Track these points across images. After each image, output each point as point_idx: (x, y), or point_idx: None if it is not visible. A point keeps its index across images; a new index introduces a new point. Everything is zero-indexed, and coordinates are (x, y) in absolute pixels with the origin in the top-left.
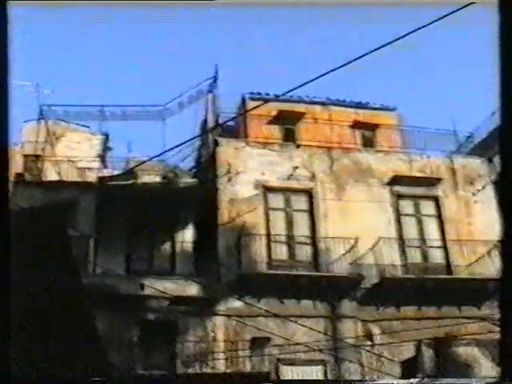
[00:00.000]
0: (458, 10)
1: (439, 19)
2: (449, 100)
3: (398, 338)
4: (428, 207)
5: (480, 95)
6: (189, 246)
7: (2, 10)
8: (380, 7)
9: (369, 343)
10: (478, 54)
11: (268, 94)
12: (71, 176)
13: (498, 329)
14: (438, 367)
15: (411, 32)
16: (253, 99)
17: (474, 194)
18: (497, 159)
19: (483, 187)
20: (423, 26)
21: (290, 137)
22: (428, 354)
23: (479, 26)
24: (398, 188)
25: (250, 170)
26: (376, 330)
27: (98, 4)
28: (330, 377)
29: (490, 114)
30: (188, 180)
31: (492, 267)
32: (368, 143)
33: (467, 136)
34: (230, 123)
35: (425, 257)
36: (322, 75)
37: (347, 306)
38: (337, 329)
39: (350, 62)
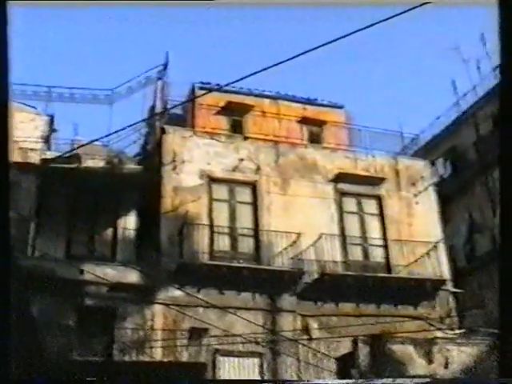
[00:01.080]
0: (410, 9)
1: (385, 20)
2: (397, 101)
3: (335, 334)
4: (371, 206)
5: (428, 99)
6: (131, 233)
7: (2, 10)
8: (337, 6)
9: (306, 338)
10: (430, 59)
11: (218, 85)
12: (13, 156)
13: (432, 328)
14: (373, 364)
15: (359, 30)
16: (202, 89)
17: (415, 196)
18: (440, 162)
19: (425, 189)
20: (371, 25)
21: (237, 128)
22: (364, 350)
23: (433, 29)
24: (342, 185)
25: (195, 159)
26: (314, 325)
27: (99, 4)
28: (266, 369)
29: (435, 118)
30: (132, 166)
31: (430, 268)
32: (315, 139)
33: (412, 138)
34: (179, 112)
35: (365, 255)
36: (265, 68)
37: (287, 300)
38: (276, 322)
39: (294, 57)
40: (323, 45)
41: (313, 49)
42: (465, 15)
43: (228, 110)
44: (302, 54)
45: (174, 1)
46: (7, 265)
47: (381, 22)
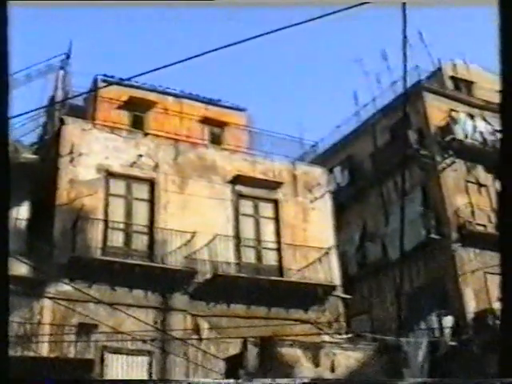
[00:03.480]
0: (319, 17)
1: (294, 25)
2: (300, 108)
3: (225, 335)
4: (267, 209)
5: (330, 108)
6: (23, 224)
7: (2, 10)
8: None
9: (196, 337)
10: (336, 69)
11: (122, 79)
12: None
13: (321, 332)
14: (261, 365)
15: (266, 33)
16: (105, 81)
17: (311, 202)
18: (337, 170)
19: (321, 196)
20: (278, 29)
21: (138, 124)
22: (253, 352)
23: (341, 40)
24: (239, 187)
25: (94, 152)
26: (205, 325)
27: (98, 4)
28: (155, 368)
29: (335, 127)
30: (28, 156)
31: (322, 273)
32: (216, 140)
33: (312, 145)
34: (80, 104)
35: (259, 257)
36: (165, 66)
37: (179, 299)
38: (166, 321)
39: (197, 56)
40: (228, 45)
41: (216, 49)
42: (370, 29)
43: (130, 104)
44: (205, 53)
45: (174, 1)
46: (5, 264)
47: (289, 27)
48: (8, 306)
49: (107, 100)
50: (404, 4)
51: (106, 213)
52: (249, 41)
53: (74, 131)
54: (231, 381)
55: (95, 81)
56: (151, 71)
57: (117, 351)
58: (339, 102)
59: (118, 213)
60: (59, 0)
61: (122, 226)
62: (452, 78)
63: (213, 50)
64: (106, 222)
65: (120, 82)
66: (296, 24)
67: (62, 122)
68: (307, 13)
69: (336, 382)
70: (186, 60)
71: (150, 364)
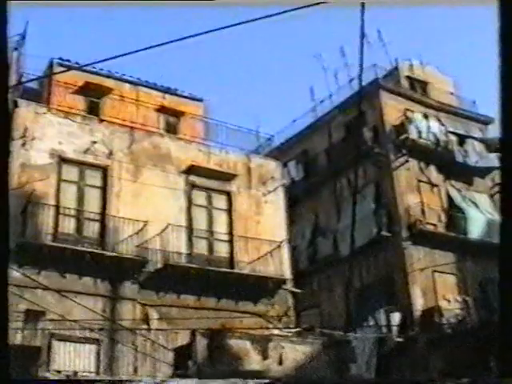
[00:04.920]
0: (281, 13)
1: (254, 20)
2: (258, 101)
3: (174, 325)
4: (220, 201)
5: (287, 102)
6: None
7: (2, 9)
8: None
9: (145, 327)
10: (295, 64)
11: (78, 63)
12: None
13: (270, 325)
14: (210, 357)
15: (227, 27)
16: (61, 65)
17: (264, 195)
18: (292, 164)
19: (275, 189)
20: (240, 23)
21: (93, 110)
22: (202, 343)
23: (301, 35)
24: (193, 178)
25: (47, 137)
26: (154, 315)
27: (98, 4)
28: (102, 357)
29: (291, 121)
30: None
31: (272, 266)
32: (171, 129)
33: (267, 138)
34: (35, 87)
35: (210, 249)
36: (124, 54)
37: (128, 288)
38: (115, 309)
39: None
40: (186, 37)
41: (172, 41)
42: (330, 25)
43: (86, 90)
44: (164, 44)
45: (175, 1)
46: (4, 264)
47: (250, 21)
48: (7, 306)
49: (62, 84)
50: (363, 3)
51: (57, 199)
52: (210, 33)
53: (27, 114)
54: (196, 380)
55: (51, 64)
56: (109, 59)
57: (64, 339)
58: (297, 96)
59: (69, 199)
60: (59, 0)
61: (73, 212)
62: (408, 77)
63: (169, 42)
64: (57, 207)
65: (78, 67)
66: (254, 20)
67: (15, 104)
68: (269, 8)
69: (297, 382)
70: (144, 50)
71: (98, 353)
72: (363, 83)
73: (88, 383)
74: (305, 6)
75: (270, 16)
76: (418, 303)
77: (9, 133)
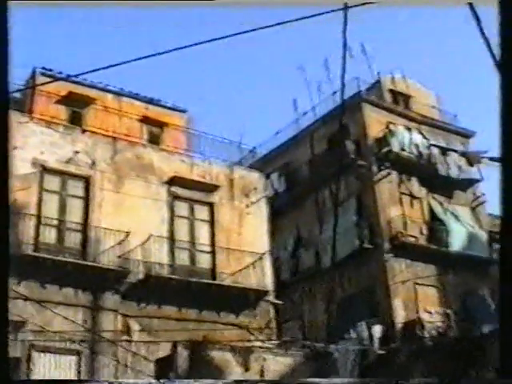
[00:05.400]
0: (269, 26)
1: (240, 33)
2: (241, 112)
3: (156, 336)
4: (202, 212)
5: (270, 114)
6: None
7: (2, 9)
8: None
9: (127, 338)
10: (279, 76)
11: (61, 73)
12: None
13: (251, 337)
14: (191, 368)
15: (214, 39)
16: (44, 74)
17: (247, 206)
18: (274, 175)
19: (257, 200)
20: (226, 36)
21: (76, 120)
22: (183, 354)
23: (285, 47)
24: (175, 189)
25: (29, 146)
26: (135, 326)
27: (98, 4)
28: (83, 368)
29: (274, 133)
30: None
31: (254, 278)
32: (154, 140)
33: (250, 149)
34: (17, 95)
35: (192, 260)
36: (112, 65)
37: (110, 299)
38: (97, 320)
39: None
40: (171, 50)
41: (164, 52)
42: (315, 38)
43: (69, 100)
44: (148, 56)
45: (175, 1)
46: (5, 264)
47: (236, 34)
48: (7, 306)
49: (45, 94)
50: (345, 14)
51: (39, 208)
52: (195, 46)
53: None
54: (153, 381)
55: (33, 73)
56: (93, 71)
57: (44, 350)
58: (280, 108)
59: (51, 209)
60: (59, 0)
61: (55, 222)
62: (391, 91)
63: (152, 55)
64: (38, 217)
65: (62, 78)
66: (236, 34)
67: None
68: (257, 19)
69: (252, 382)
70: (128, 62)
71: (79, 364)
72: (346, 96)
73: None
74: (290, 21)
75: (255, 30)
76: (400, 315)
77: (8, 142)
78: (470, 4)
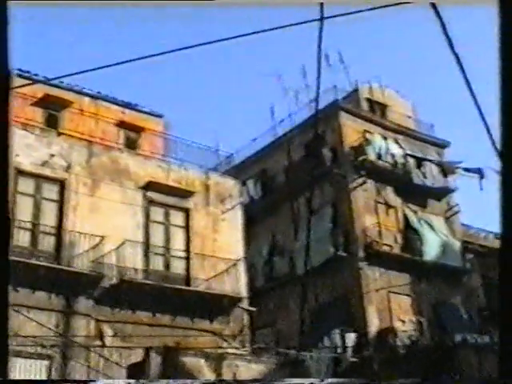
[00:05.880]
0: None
1: (220, 40)
2: (219, 119)
3: (129, 342)
4: (178, 218)
5: (247, 120)
6: None
7: (2, 9)
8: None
9: (99, 343)
10: (260, 81)
11: (37, 75)
12: None
13: (225, 343)
14: (164, 374)
15: (196, 45)
16: (20, 76)
17: (222, 212)
18: (250, 182)
19: (233, 207)
20: (209, 42)
21: (52, 123)
22: (156, 360)
23: (263, 54)
24: (151, 194)
25: None
26: (108, 331)
27: (98, 4)
28: (54, 373)
29: (251, 139)
30: None
31: (229, 284)
32: (131, 145)
33: (227, 156)
34: None
35: (167, 265)
36: (86, 71)
37: (83, 304)
38: (69, 325)
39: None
40: (150, 56)
41: (141, 58)
42: (291, 46)
43: (45, 102)
44: (128, 61)
45: (175, 1)
46: (5, 265)
47: (214, 42)
48: (7, 306)
49: (21, 95)
50: (321, 27)
51: (12, 211)
52: (174, 52)
53: None
54: (132, 381)
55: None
56: (70, 75)
57: (16, 355)
58: (257, 115)
59: (25, 212)
60: (59, 0)
61: (28, 225)
62: (368, 100)
63: (130, 61)
64: (12, 220)
65: (37, 80)
66: (219, 40)
67: None
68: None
69: (233, 382)
70: (105, 67)
71: (50, 369)
72: (323, 104)
73: None
74: (265, 30)
75: (235, 38)
76: (373, 323)
77: (8, 142)
78: (433, 4)
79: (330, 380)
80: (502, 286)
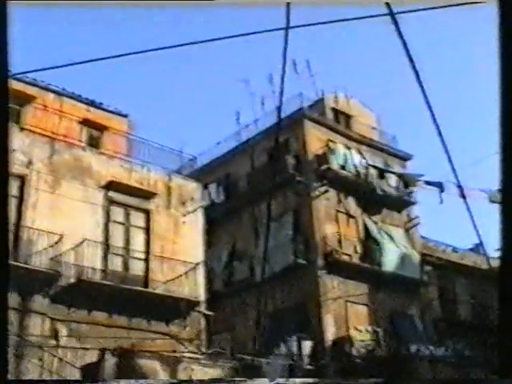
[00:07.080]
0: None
1: (193, 43)
2: (183, 121)
3: (84, 342)
4: (138, 219)
5: (212, 124)
6: None
7: (2, 9)
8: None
9: (54, 343)
10: (228, 86)
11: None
12: None
13: (181, 346)
14: (118, 376)
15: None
16: None
17: (184, 215)
18: (213, 186)
19: (194, 210)
20: (180, 45)
21: (14, 118)
22: (111, 361)
23: (231, 60)
24: (112, 194)
25: None
26: (63, 331)
27: (98, 4)
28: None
29: (215, 143)
30: None
31: (187, 287)
32: (94, 143)
33: (190, 159)
34: None
35: (126, 266)
36: (56, 67)
37: (39, 302)
38: (23, 323)
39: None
40: (118, 56)
41: (108, 57)
42: (259, 52)
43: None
44: (94, 60)
45: (175, 1)
46: (5, 265)
47: (183, 45)
48: (7, 306)
49: None
50: (286, 35)
51: None
52: (142, 53)
53: None
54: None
55: None
56: (35, 71)
57: None
58: (223, 120)
59: None
60: (59, 0)
61: None
62: (333, 109)
63: (98, 59)
64: None
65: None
66: (188, 44)
67: None
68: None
69: (200, 383)
70: (73, 64)
71: None
72: (288, 111)
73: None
74: (233, 36)
75: (203, 42)
76: (330, 332)
77: (8, 144)
78: (387, 4)
79: (295, 380)
80: (501, 288)
